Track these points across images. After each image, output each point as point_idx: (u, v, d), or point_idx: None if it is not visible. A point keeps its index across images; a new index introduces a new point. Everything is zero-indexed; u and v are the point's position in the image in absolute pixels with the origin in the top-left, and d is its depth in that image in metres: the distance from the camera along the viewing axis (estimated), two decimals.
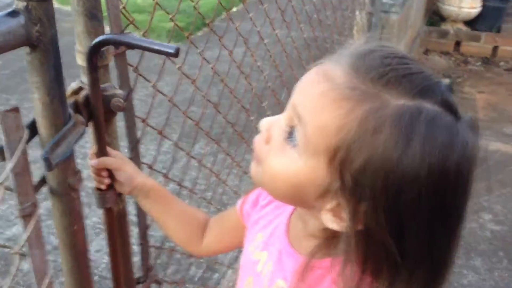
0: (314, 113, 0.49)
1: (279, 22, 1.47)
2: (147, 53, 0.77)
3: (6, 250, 2.02)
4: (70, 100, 0.63)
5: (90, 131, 0.68)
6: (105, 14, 0.66)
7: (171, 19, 0.84)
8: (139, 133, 0.82)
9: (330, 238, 0.56)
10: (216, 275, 1.77)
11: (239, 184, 1.56)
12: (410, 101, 0.46)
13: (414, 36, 3.96)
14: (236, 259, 1.75)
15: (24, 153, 0.56)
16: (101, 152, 0.69)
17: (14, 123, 0.54)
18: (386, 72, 0.47)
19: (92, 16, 0.63)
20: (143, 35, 0.76)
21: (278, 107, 1.62)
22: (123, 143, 0.78)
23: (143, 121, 0.82)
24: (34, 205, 0.59)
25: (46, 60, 0.55)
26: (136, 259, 0.89)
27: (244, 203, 0.77)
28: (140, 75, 0.77)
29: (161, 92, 0.88)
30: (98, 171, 0.71)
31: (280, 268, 0.62)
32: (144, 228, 0.90)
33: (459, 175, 0.47)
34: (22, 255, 0.59)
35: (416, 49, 4.08)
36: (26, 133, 0.56)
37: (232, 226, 0.80)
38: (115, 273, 0.80)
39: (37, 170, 0.58)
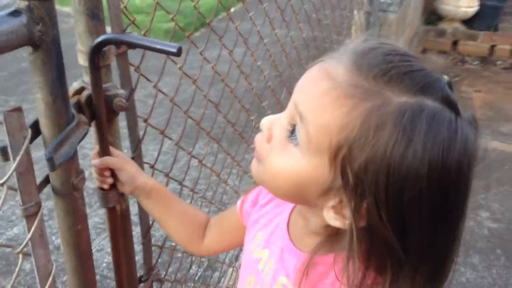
0: (316, 111, 0.50)
1: (278, 22, 1.47)
2: (145, 53, 0.77)
3: (7, 250, 2.02)
4: (72, 100, 0.63)
5: (92, 131, 0.68)
6: (105, 14, 0.67)
7: (172, 19, 0.84)
8: (140, 133, 0.83)
9: (332, 235, 0.57)
10: (216, 274, 1.77)
11: (239, 183, 1.56)
12: (412, 98, 0.47)
13: (411, 35, 3.97)
14: (237, 257, 1.76)
15: (28, 153, 0.56)
16: (104, 152, 0.69)
17: (17, 123, 0.54)
18: (389, 70, 0.48)
19: (94, 15, 0.63)
20: (144, 35, 0.76)
21: (278, 107, 1.62)
22: (123, 143, 0.79)
23: (145, 120, 0.83)
24: (38, 205, 0.59)
25: (49, 60, 0.55)
26: (137, 258, 0.89)
27: (244, 202, 0.77)
28: (142, 75, 0.77)
29: (162, 92, 0.88)
30: (100, 171, 0.71)
31: (282, 266, 0.62)
32: (146, 227, 0.90)
33: (460, 171, 0.47)
34: (26, 255, 0.59)
35: (414, 48, 4.09)
36: (29, 133, 0.56)
37: (232, 225, 0.80)
38: (117, 273, 0.80)
39: (38, 171, 0.58)
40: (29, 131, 0.56)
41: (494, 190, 2.46)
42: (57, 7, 0.56)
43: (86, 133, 0.62)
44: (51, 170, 0.59)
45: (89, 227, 0.68)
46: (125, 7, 0.71)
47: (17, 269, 0.60)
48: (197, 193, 1.19)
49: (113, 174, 0.72)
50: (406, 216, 0.47)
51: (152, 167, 0.89)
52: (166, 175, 0.97)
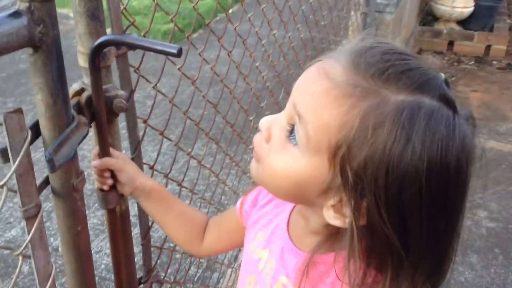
0: (315, 111, 0.50)
1: (276, 23, 1.47)
2: (144, 54, 0.77)
3: (5, 252, 2.01)
4: (72, 101, 0.63)
5: (92, 132, 0.68)
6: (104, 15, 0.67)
7: (171, 20, 0.85)
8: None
9: (332, 234, 0.57)
10: (215, 275, 1.77)
11: (238, 184, 1.56)
12: (410, 97, 0.47)
13: (408, 36, 3.98)
14: (236, 258, 1.76)
15: (28, 154, 0.56)
16: (104, 153, 0.69)
17: (17, 124, 0.54)
18: (386, 68, 0.48)
19: (94, 17, 0.63)
20: (144, 36, 0.76)
21: (276, 107, 1.63)
22: (122, 144, 0.78)
23: (145, 122, 0.83)
24: (38, 206, 0.58)
25: (49, 61, 0.54)
26: (136, 259, 0.89)
27: (243, 203, 0.77)
28: (142, 76, 0.77)
29: (162, 93, 0.88)
30: (100, 172, 0.71)
31: (282, 265, 0.62)
32: (146, 228, 0.90)
33: (459, 168, 0.48)
34: (26, 257, 0.59)
35: (410, 49, 4.10)
36: (29, 134, 0.55)
37: (231, 226, 0.80)
38: (117, 274, 0.80)
39: (36, 172, 0.58)
40: (29, 132, 0.56)
41: (491, 189, 2.47)
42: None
43: (86, 134, 0.62)
44: (51, 172, 0.59)
45: None
46: (125, 8, 0.71)
47: (17, 271, 0.59)
48: (196, 194, 1.19)
49: (113, 175, 0.72)
50: (406, 214, 0.48)
51: (151, 168, 0.89)
52: (166, 176, 0.97)
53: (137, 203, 0.81)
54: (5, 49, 0.50)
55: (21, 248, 0.58)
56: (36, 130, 0.59)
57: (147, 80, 0.81)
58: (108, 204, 0.73)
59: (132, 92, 0.76)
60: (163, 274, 1.05)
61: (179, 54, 0.55)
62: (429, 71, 0.50)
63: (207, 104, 1.12)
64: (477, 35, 4.38)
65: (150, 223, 0.91)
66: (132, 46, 0.59)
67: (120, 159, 0.73)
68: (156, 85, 0.83)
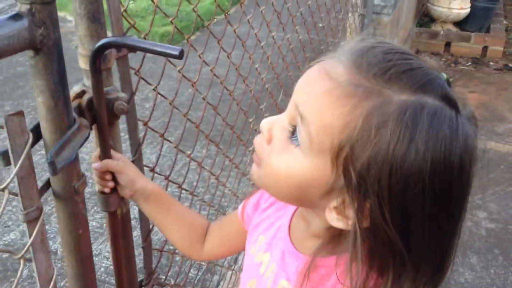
0: (317, 112, 0.49)
1: (274, 25, 1.47)
2: (139, 58, 0.77)
3: (4, 255, 2.00)
4: (73, 104, 0.63)
5: (92, 134, 0.68)
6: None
7: (171, 22, 0.84)
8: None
9: (334, 237, 0.56)
10: (215, 277, 1.77)
11: (237, 186, 1.56)
12: (412, 96, 0.47)
13: (405, 37, 3.99)
14: (236, 260, 1.75)
15: (29, 157, 0.55)
16: (105, 155, 0.69)
17: (19, 127, 0.54)
18: (388, 68, 0.48)
19: (95, 19, 0.63)
20: (144, 39, 0.76)
21: (275, 109, 1.63)
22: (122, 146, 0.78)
23: (145, 124, 0.82)
24: (39, 210, 0.58)
25: (50, 63, 0.54)
26: (136, 262, 0.88)
27: (245, 207, 0.77)
28: (142, 78, 0.77)
29: (162, 96, 0.88)
30: (101, 174, 0.70)
31: (283, 269, 0.62)
32: (146, 231, 0.90)
33: (462, 168, 0.48)
34: (27, 260, 0.59)
35: (404, 45, 4.11)
36: (30, 137, 0.55)
37: (233, 230, 0.80)
38: (118, 277, 0.80)
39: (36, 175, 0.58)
40: (30, 135, 0.56)
41: (491, 190, 2.47)
42: None
43: (87, 137, 0.62)
44: (53, 174, 0.58)
45: None
46: (125, 10, 0.71)
47: (18, 275, 0.59)
48: (196, 196, 1.19)
49: (114, 178, 0.72)
50: (409, 214, 0.48)
51: (152, 170, 0.89)
52: (166, 178, 0.96)
53: (137, 206, 0.81)
54: (6, 51, 0.50)
55: (23, 252, 0.57)
56: (37, 133, 0.58)
57: (147, 82, 0.81)
58: (109, 207, 0.72)
59: (132, 94, 0.76)
60: (164, 277, 1.04)
61: (180, 56, 0.55)
62: (431, 70, 0.50)
63: (206, 106, 1.11)
64: (473, 36, 4.40)
65: (150, 226, 0.91)
66: (133, 48, 0.58)
67: (121, 161, 0.72)
68: (156, 87, 0.83)
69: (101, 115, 0.64)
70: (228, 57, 1.19)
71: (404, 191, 0.46)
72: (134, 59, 0.78)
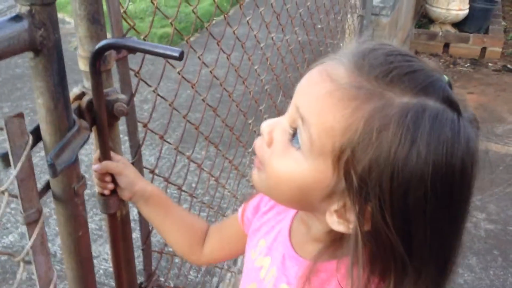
0: (318, 114, 0.49)
1: (274, 26, 1.47)
2: (138, 59, 0.77)
3: (3, 258, 1.99)
4: (73, 106, 0.62)
5: (92, 136, 0.68)
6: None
7: (171, 24, 0.84)
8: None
9: (334, 241, 0.56)
10: (215, 279, 1.76)
11: (237, 187, 1.56)
12: (414, 99, 0.47)
13: (404, 39, 4.00)
14: (235, 262, 1.75)
15: (29, 159, 0.55)
16: (105, 157, 0.69)
17: (18, 129, 0.53)
18: (390, 70, 0.48)
19: (95, 20, 0.63)
20: (143, 40, 0.76)
21: (275, 110, 1.63)
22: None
23: (145, 125, 0.82)
24: (39, 212, 0.58)
25: (50, 65, 0.54)
26: (136, 264, 0.88)
27: (245, 210, 0.76)
28: (142, 80, 0.77)
29: (162, 97, 0.88)
30: (101, 176, 0.70)
31: (283, 273, 0.62)
32: (146, 233, 0.90)
33: (464, 171, 0.47)
34: (27, 263, 0.58)
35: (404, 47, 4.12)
36: (30, 139, 0.55)
37: (233, 233, 0.79)
38: (118, 279, 0.79)
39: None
40: (30, 137, 0.55)
41: (489, 191, 2.48)
42: None
43: (87, 139, 0.62)
44: (53, 177, 0.58)
45: None
46: (124, 12, 0.71)
47: (18, 277, 0.59)
48: (196, 198, 1.19)
49: (114, 180, 0.71)
50: (410, 218, 0.47)
51: (152, 172, 0.89)
52: (166, 180, 0.96)
53: (136, 208, 0.81)
54: (6, 53, 0.50)
55: (22, 254, 0.57)
56: (36, 135, 0.58)
57: (147, 84, 0.81)
58: (109, 209, 0.72)
59: (132, 96, 0.75)
60: (163, 279, 1.04)
61: (181, 57, 0.55)
62: (432, 73, 0.50)
63: (205, 107, 1.11)
64: (472, 37, 4.41)
65: (150, 228, 0.91)
66: (134, 50, 0.58)
67: (121, 163, 0.72)
68: (156, 89, 0.83)
69: (101, 116, 0.64)
70: (227, 58, 1.19)
71: (405, 194, 0.46)
72: (133, 60, 0.78)
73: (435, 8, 4.55)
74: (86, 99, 0.63)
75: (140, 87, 0.80)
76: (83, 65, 0.65)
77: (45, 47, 0.53)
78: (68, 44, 3.52)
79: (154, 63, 3.09)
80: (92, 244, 0.69)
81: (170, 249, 1.08)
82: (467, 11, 4.49)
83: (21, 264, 0.58)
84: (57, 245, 1.99)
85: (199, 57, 1.00)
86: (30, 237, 0.58)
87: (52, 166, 0.56)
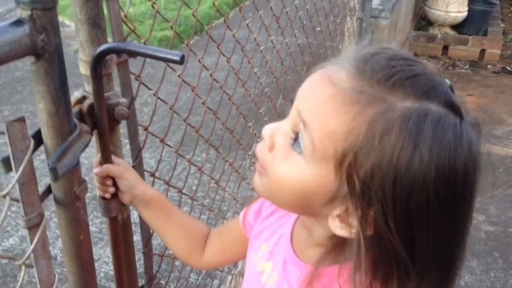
0: (320, 118, 0.49)
1: (273, 29, 1.48)
2: (138, 63, 0.77)
3: (3, 261, 1.99)
4: (74, 110, 0.63)
5: (93, 140, 0.68)
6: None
7: (171, 27, 0.85)
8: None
9: (336, 246, 0.56)
10: (215, 282, 1.76)
11: (237, 190, 1.56)
12: (416, 103, 0.47)
13: (403, 41, 4.01)
14: (235, 265, 1.75)
15: (31, 163, 0.55)
16: (106, 160, 0.69)
17: (20, 133, 0.54)
18: (392, 74, 0.48)
19: (95, 24, 0.63)
20: (144, 43, 0.76)
21: (275, 113, 1.63)
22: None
23: (146, 129, 0.82)
24: (41, 216, 0.58)
25: (52, 69, 0.54)
26: (137, 266, 0.88)
27: (246, 214, 0.76)
28: (143, 83, 0.77)
29: (162, 100, 0.88)
30: (102, 180, 0.70)
31: (285, 278, 0.62)
32: (147, 236, 0.90)
33: (467, 175, 0.47)
34: (28, 266, 0.58)
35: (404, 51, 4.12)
36: (32, 143, 0.55)
37: (234, 237, 0.79)
38: (119, 282, 0.79)
39: None
40: (32, 141, 0.56)
41: (489, 193, 2.48)
42: None
43: (88, 143, 0.62)
44: (54, 180, 0.58)
45: None
46: (125, 16, 0.71)
47: (20, 281, 0.59)
48: (196, 201, 1.19)
49: (114, 183, 0.72)
50: (413, 223, 0.47)
51: (152, 175, 0.89)
52: (166, 182, 0.96)
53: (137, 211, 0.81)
54: (7, 57, 0.50)
55: (24, 258, 0.57)
56: (38, 139, 0.58)
57: (147, 87, 0.81)
58: (110, 212, 0.72)
59: (133, 99, 0.76)
60: (164, 282, 1.04)
61: (181, 61, 0.55)
62: (434, 77, 0.50)
63: (205, 110, 1.11)
64: (471, 39, 4.42)
65: (151, 231, 0.91)
66: (134, 54, 0.58)
67: (121, 166, 0.72)
68: (156, 92, 0.83)
69: (102, 120, 0.64)
70: (227, 61, 1.19)
71: (408, 198, 0.46)
72: (133, 64, 0.78)
73: (434, 10, 4.56)
74: (87, 103, 0.63)
75: (140, 90, 0.81)
76: (84, 69, 0.66)
77: (46, 51, 0.53)
78: (68, 47, 3.52)
79: (154, 66, 3.09)
80: (92, 247, 0.69)
81: (171, 252, 1.08)
82: (466, 13, 4.50)
83: (23, 268, 0.58)
84: (57, 248, 1.99)
85: (199, 60, 1.00)
86: (31, 241, 0.58)
87: (53, 170, 0.56)
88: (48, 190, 0.62)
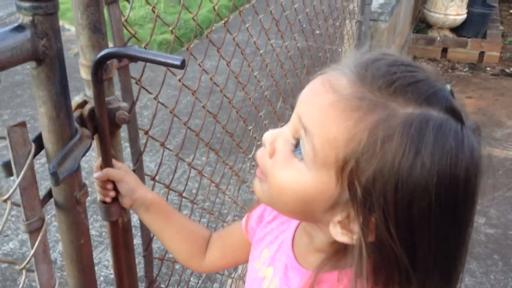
0: (322, 125, 0.49)
1: (273, 33, 1.48)
2: (138, 66, 0.77)
3: (3, 265, 1.99)
4: (75, 114, 0.63)
5: (94, 144, 0.68)
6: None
7: (171, 31, 0.85)
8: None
9: (337, 252, 0.56)
10: (216, 285, 1.76)
11: (237, 193, 1.56)
12: (417, 109, 0.47)
13: (402, 44, 4.02)
14: (236, 268, 1.75)
15: (32, 167, 0.55)
16: (106, 164, 0.69)
17: (21, 137, 0.54)
18: (393, 81, 0.48)
19: (96, 29, 0.63)
20: (144, 48, 0.77)
21: (274, 116, 1.63)
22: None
23: (146, 133, 0.83)
24: (41, 220, 0.58)
25: (53, 74, 0.55)
26: (137, 270, 0.88)
27: (249, 219, 0.76)
28: (143, 87, 0.77)
29: (162, 104, 0.89)
30: (103, 184, 0.70)
31: (286, 283, 0.61)
32: (147, 240, 0.90)
33: (468, 181, 0.47)
34: (29, 271, 0.58)
35: (404, 56, 4.13)
36: (33, 148, 0.55)
37: (236, 241, 0.79)
38: (119, 286, 0.79)
39: None
40: (33, 145, 0.56)
41: (489, 195, 2.48)
42: None
43: (89, 147, 0.62)
44: (55, 185, 0.58)
45: None
46: (125, 20, 0.71)
47: (20, 286, 0.59)
48: (196, 204, 1.19)
49: (115, 187, 0.72)
50: (415, 229, 0.47)
51: (153, 179, 0.89)
52: (166, 186, 0.96)
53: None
54: (9, 63, 0.50)
55: (25, 262, 0.57)
56: (39, 143, 0.59)
57: (148, 91, 0.81)
58: (111, 216, 0.72)
59: (133, 103, 0.76)
60: (164, 286, 1.04)
61: (182, 66, 0.55)
62: (435, 82, 0.49)
63: (205, 114, 1.12)
64: (470, 42, 4.43)
65: (151, 235, 0.91)
66: (135, 58, 0.59)
67: (122, 170, 0.72)
68: (157, 96, 0.83)
69: (103, 125, 0.64)
70: (227, 65, 1.19)
71: (410, 205, 0.46)
72: (133, 68, 0.79)
73: (433, 13, 4.57)
74: (88, 107, 0.63)
75: (140, 94, 0.81)
76: (85, 74, 0.66)
77: (47, 56, 0.53)
78: (68, 51, 3.53)
79: (154, 70, 3.09)
80: (92, 251, 0.69)
81: (171, 256, 1.08)
82: (465, 16, 4.51)
83: (24, 272, 0.58)
84: (57, 251, 1.99)
85: (199, 64, 1.01)
86: (32, 245, 0.58)
87: (54, 174, 0.56)
88: (49, 195, 0.63)
